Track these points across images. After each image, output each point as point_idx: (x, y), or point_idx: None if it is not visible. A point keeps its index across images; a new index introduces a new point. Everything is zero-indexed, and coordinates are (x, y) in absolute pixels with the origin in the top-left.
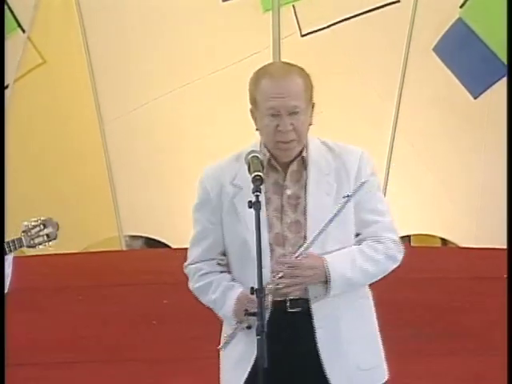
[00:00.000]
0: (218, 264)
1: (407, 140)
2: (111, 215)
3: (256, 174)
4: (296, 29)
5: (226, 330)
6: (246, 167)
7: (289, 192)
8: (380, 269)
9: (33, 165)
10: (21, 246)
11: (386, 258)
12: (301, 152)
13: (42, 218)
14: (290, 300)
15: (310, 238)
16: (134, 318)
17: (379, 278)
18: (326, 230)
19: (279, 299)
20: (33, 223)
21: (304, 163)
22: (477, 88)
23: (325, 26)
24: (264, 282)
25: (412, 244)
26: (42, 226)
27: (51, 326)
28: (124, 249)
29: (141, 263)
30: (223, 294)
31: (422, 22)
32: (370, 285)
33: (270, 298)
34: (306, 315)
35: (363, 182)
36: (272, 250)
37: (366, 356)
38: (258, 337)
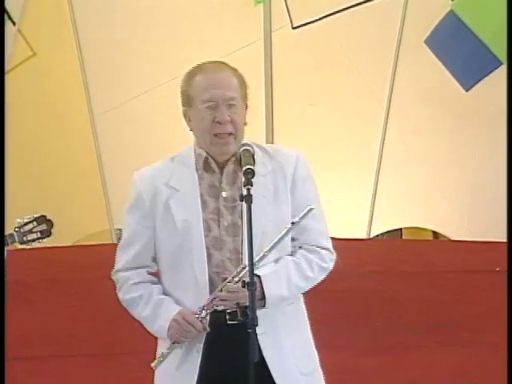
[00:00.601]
0: (148, 273)
1: (398, 135)
2: (102, 208)
3: (247, 167)
4: (287, 21)
5: (162, 346)
6: (184, 168)
7: (224, 194)
8: (313, 283)
9: (23, 158)
10: (13, 242)
11: (320, 270)
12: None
13: (35, 215)
14: (229, 312)
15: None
16: (126, 311)
17: None
18: (264, 233)
19: (217, 312)
20: (25, 220)
21: (240, 164)
22: (468, 81)
23: (316, 18)
24: (203, 288)
25: (403, 237)
26: (35, 223)
27: (43, 319)
28: (115, 242)
29: None
30: (154, 311)
31: (414, 15)
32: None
33: (208, 318)
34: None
35: (311, 208)
36: (209, 255)
37: (305, 360)
38: (250, 330)
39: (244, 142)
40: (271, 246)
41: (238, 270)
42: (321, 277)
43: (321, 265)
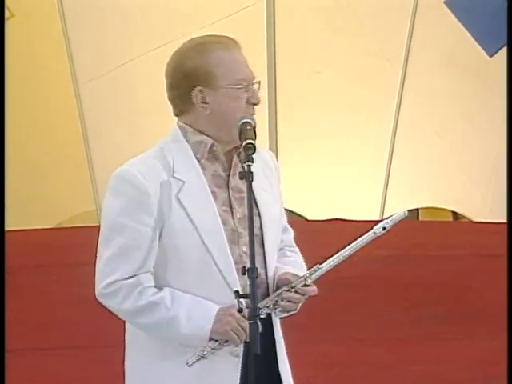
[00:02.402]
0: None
1: (415, 104)
2: (88, 187)
3: (248, 141)
4: None
5: (151, 349)
6: (183, 158)
7: (231, 184)
8: None
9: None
10: None
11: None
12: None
13: None
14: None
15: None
16: None
17: None
18: (275, 230)
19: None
20: None
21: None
22: (493, 45)
23: None
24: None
25: (420, 218)
26: None
27: (24, 308)
28: None
29: None
30: (185, 311)
31: None
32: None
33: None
34: (267, 325)
35: (406, 213)
36: (230, 249)
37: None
38: (251, 321)
39: None
40: (350, 249)
41: (301, 277)
42: None
43: (302, 264)
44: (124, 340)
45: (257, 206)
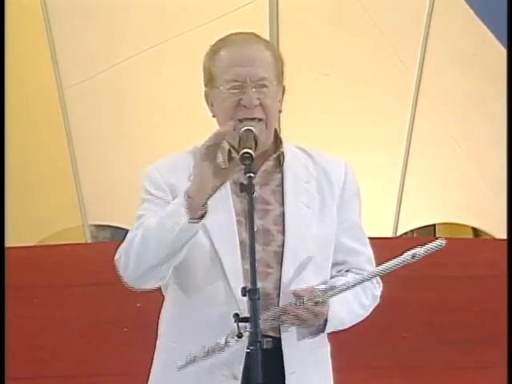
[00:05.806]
0: None
1: (431, 109)
2: (73, 201)
3: (245, 151)
4: None
5: (165, 350)
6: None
7: (254, 193)
8: (367, 312)
9: None
10: None
11: (373, 298)
12: (277, 148)
13: None
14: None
15: (290, 262)
16: (100, 324)
17: None
18: (307, 250)
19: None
20: None
21: (280, 163)
22: None
23: None
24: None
25: (437, 235)
26: None
27: None
28: (89, 241)
29: (109, 258)
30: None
31: None
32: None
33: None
34: (277, 357)
35: (442, 243)
36: None
37: None
38: (252, 347)
39: (285, 143)
40: (373, 273)
41: (312, 294)
42: (373, 306)
43: (374, 292)
44: (112, 368)
45: (283, 222)
